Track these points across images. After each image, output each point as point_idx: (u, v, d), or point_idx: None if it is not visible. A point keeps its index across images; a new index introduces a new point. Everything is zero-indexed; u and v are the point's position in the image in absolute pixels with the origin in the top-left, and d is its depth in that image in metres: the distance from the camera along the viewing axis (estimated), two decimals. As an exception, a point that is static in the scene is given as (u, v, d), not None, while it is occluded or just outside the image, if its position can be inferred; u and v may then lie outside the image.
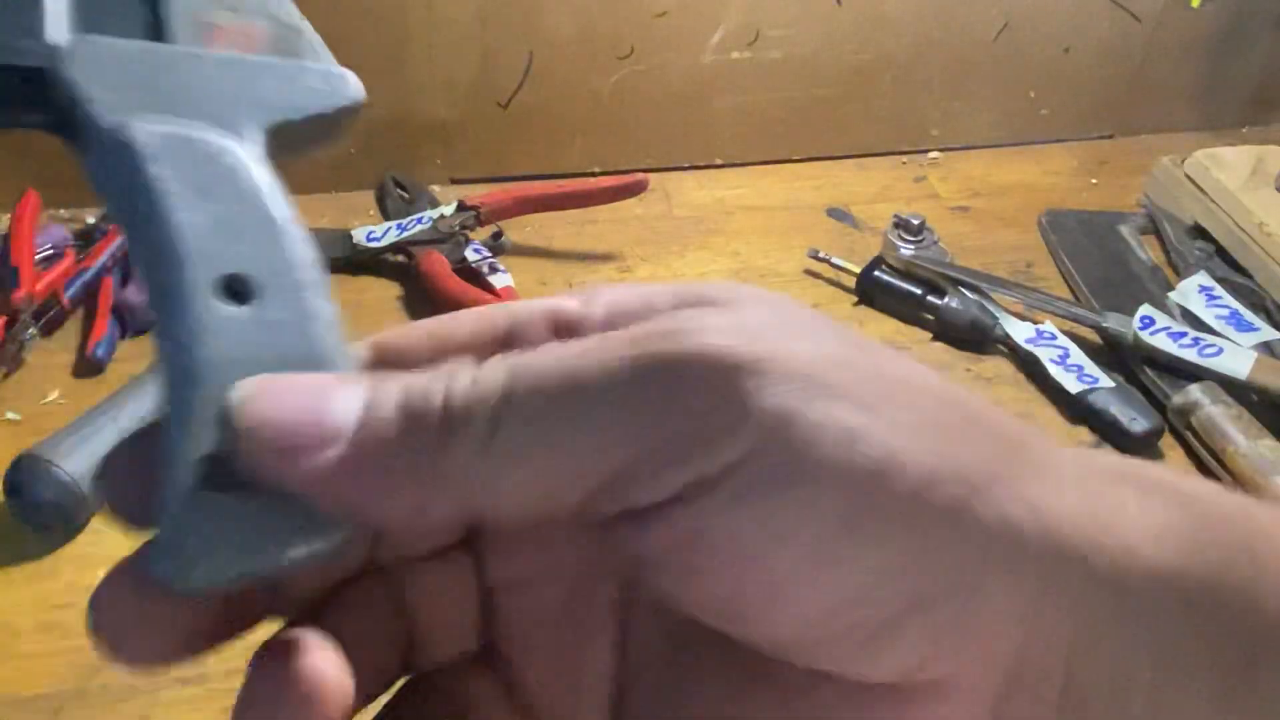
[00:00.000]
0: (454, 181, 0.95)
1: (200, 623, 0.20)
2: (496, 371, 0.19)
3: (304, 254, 0.21)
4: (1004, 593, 0.19)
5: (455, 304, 0.77)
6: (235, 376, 0.19)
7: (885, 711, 0.20)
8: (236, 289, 0.20)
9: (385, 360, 0.23)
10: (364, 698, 0.23)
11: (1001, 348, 0.78)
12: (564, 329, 0.23)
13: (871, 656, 0.19)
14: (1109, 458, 0.22)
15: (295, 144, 0.24)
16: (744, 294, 0.21)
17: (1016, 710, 0.19)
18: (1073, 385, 0.72)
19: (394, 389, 0.19)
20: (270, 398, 0.19)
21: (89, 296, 0.79)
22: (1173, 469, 0.22)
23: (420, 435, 0.19)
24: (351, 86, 0.24)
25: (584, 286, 0.21)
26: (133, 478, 0.20)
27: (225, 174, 0.21)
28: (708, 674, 0.22)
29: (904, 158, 1.02)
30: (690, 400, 0.18)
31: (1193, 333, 0.74)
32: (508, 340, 0.23)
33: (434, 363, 0.20)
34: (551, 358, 0.19)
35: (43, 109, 0.21)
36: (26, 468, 0.61)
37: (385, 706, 0.25)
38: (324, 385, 0.19)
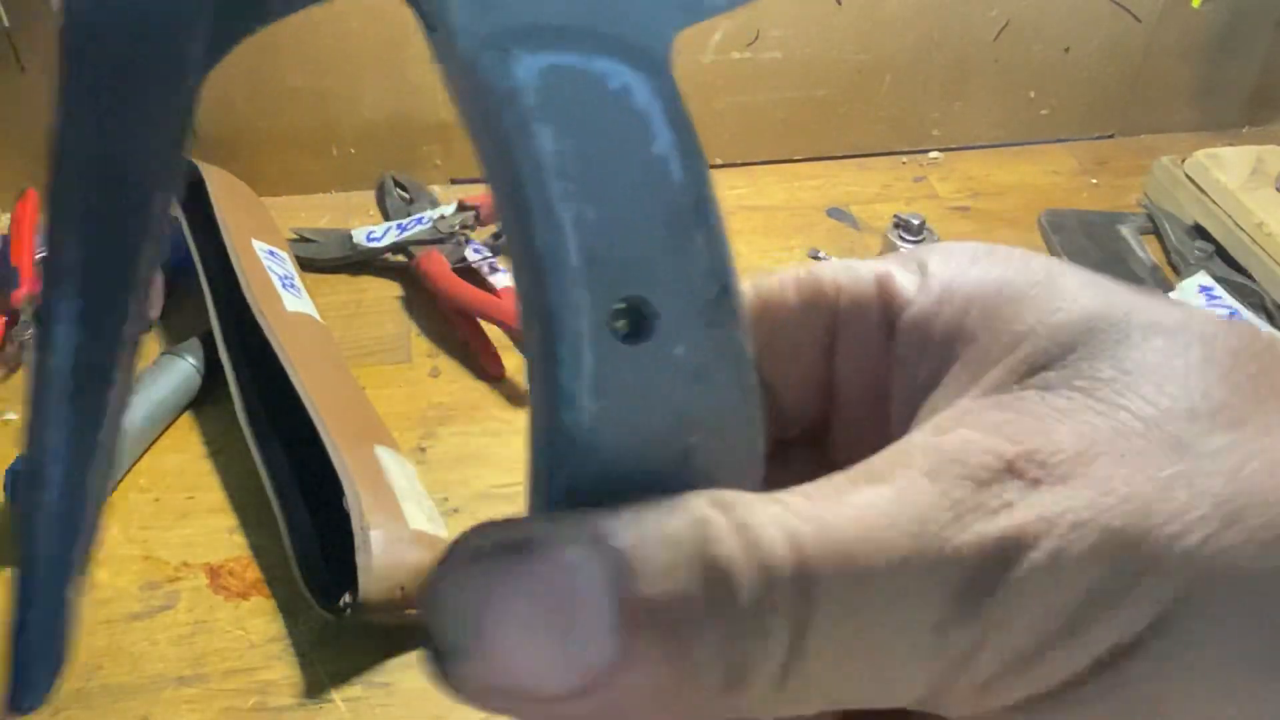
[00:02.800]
0: (454, 181, 0.95)
1: None
2: (780, 560, 0.14)
3: (715, 262, 0.16)
4: None
5: (455, 304, 0.77)
6: (628, 439, 0.15)
7: None
8: (635, 319, 0.15)
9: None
10: None
11: (1001, 348, 0.78)
12: (899, 311, 0.19)
13: None
14: None
15: None
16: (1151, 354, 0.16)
17: None
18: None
19: (652, 611, 0.14)
20: (497, 639, 0.14)
21: (89, 296, 0.79)
22: None
23: (699, 680, 0.14)
24: None
25: (918, 249, 0.17)
26: None
27: (630, 136, 0.15)
28: None
29: (904, 158, 1.02)
30: (1030, 616, 0.15)
31: (1193, 333, 0.74)
32: (834, 321, 0.19)
33: (764, 337, 0.16)
34: (845, 543, 0.15)
35: None
36: (26, 468, 0.61)
37: None
38: (567, 617, 0.14)
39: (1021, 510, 0.15)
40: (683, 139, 0.15)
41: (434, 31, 0.15)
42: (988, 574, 0.15)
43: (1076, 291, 0.17)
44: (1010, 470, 0.15)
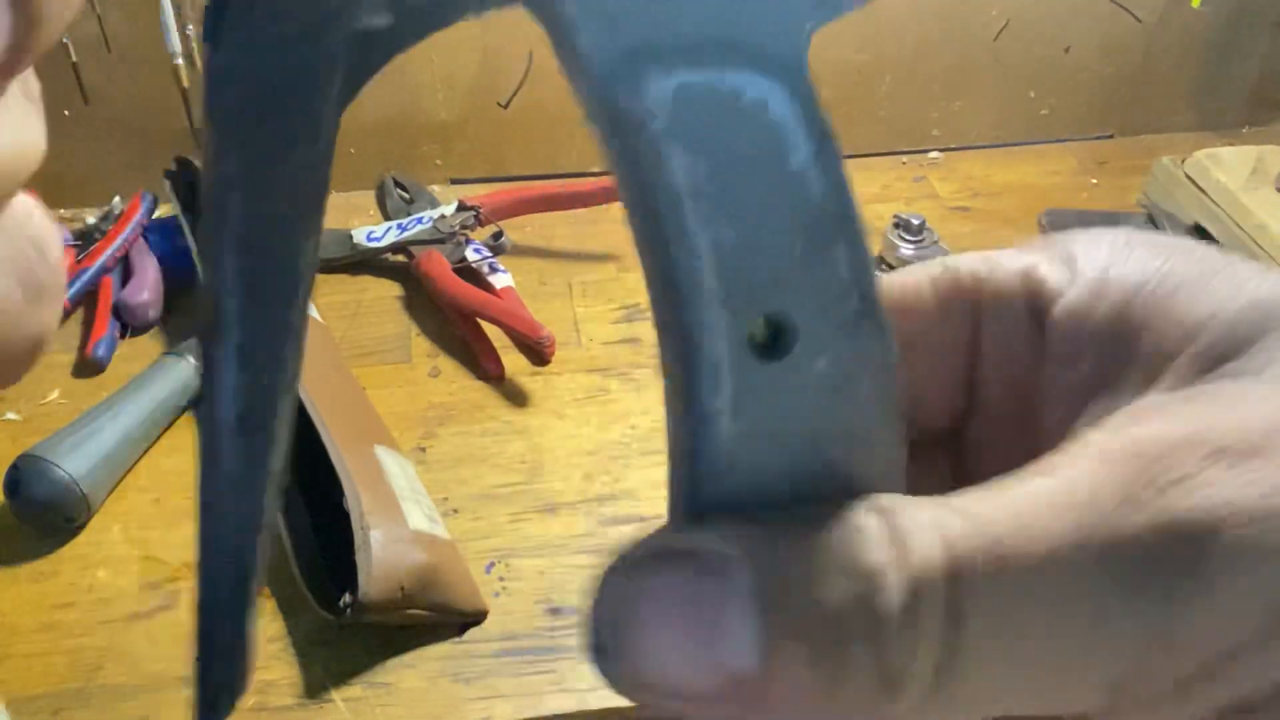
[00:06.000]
0: (454, 181, 0.95)
1: None
2: (932, 564, 0.14)
3: (858, 274, 0.15)
4: None
5: (455, 304, 0.77)
6: (769, 456, 0.15)
7: None
8: (773, 336, 0.15)
9: None
10: None
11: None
12: (1047, 305, 0.18)
13: None
14: None
15: None
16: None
17: None
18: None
19: (799, 610, 0.14)
20: (639, 620, 0.14)
21: (89, 296, 0.79)
22: None
23: (848, 688, 0.14)
24: None
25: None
26: None
27: (768, 151, 0.14)
28: None
29: (904, 158, 1.02)
30: (1220, 617, 0.14)
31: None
32: (977, 319, 0.19)
33: (900, 341, 0.16)
34: (1004, 539, 0.14)
35: None
36: (26, 468, 0.61)
37: None
38: (706, 602, 0.14)
39: (1208, 493, 0.14)
40: (823, 148, 0.15)
41: (561, 50, 0.15)
42: (1169, 562, 0.13)
43: (1246, 279, 0.16)
44: (1200, 456, 0.14)
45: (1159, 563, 0.13)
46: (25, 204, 0.18)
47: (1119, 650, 0.14)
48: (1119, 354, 0.17)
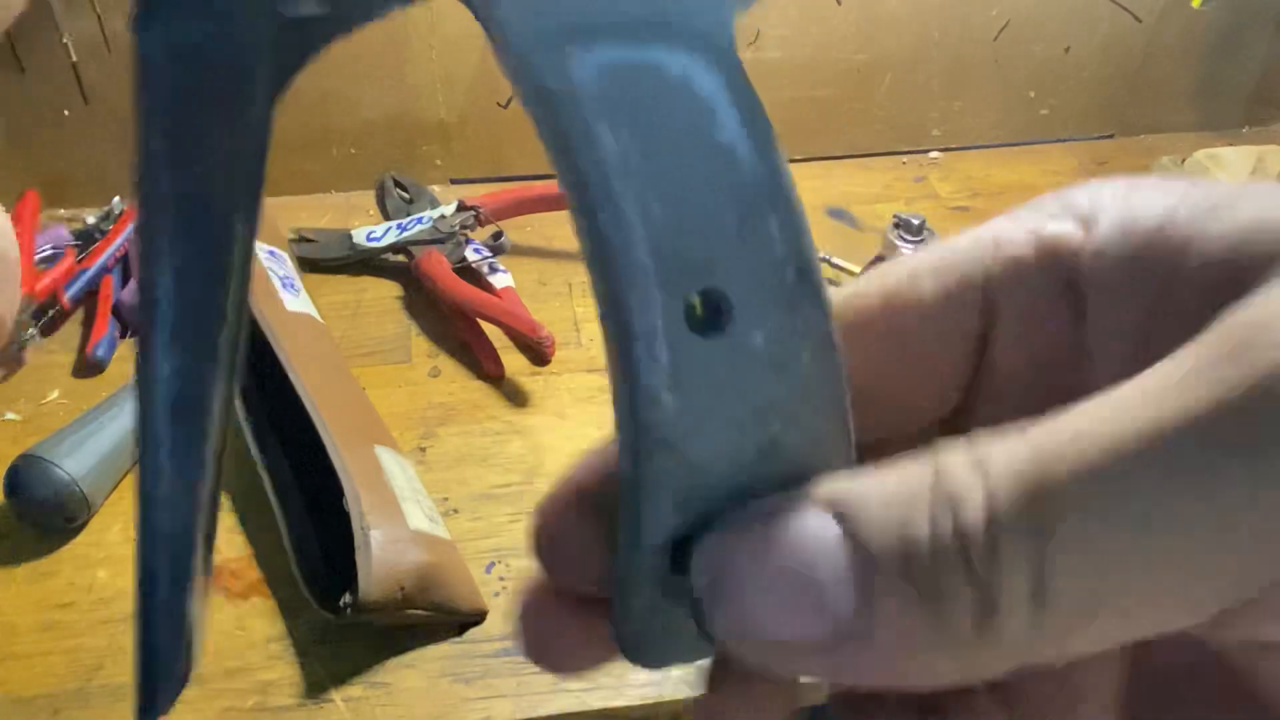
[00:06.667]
0: (454, 181, 0.95)
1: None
2: (1015, 477, 0.13)
3: (791, 246, 0.15)
4: None
5: (455, 304, 0.77)
6: (712, 433, 0.15)
7: None
8: (709, 311, 0.15)
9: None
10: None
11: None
12: (1067, 267, 0.17)
13: None
14: None
15: None
16: None
17: None
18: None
19: (890, 530, 0.14)
20: (748, 592, 0.14)
21: (89, 296, 0.79)
22: None
23: (948, 608, 0.13)
24: None
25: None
26: (571, 535, 0.17)
27: (694, 126, 0.14)
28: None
29: (904, 158, 1.02)
30: None
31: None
32: (989, 298, 0.18)
33: (898, 346, 0.16)
34: (1091, 432, 0.13)
35: None
36: (26, 468, 0.61)
37: None
38: (807, 547, 0.14)
39: (1260, 353, 0.12)
40: (751, 122, 0.15)
41: (487, 30, 0.15)
42: (1265, 422, 0.12)
43: (1269, 194, 0.15)
44: (1244, 238, 0.13)
45: (1267, 416, 0.12)
46: None
47: (1222, 543, 0.12)
48: (1168, 284, 0.16)
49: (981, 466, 0.13)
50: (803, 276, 0.15)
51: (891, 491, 0.14)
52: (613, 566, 0.16)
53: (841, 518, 0.14)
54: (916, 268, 0.18)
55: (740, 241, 0.15)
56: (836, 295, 0.16)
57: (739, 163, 0.15)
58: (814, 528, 0.14)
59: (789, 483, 0.15)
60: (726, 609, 0.15)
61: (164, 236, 0.14)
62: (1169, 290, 0.15)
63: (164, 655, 0.16)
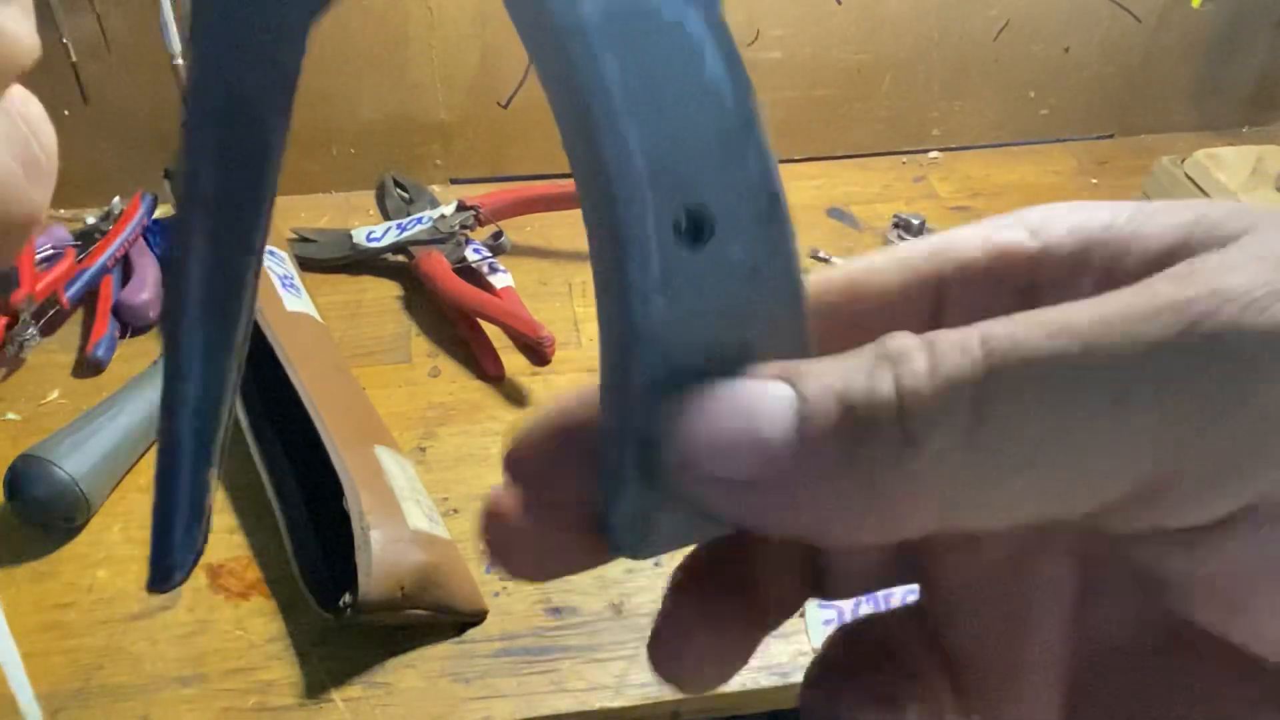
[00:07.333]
0: (454, 181, 0.95)
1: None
2: (965, 349, 0.15)
3: (764, 175, 0.17)
4: None
5: (455, 304, 0.77)
6: (694, 333, 0.17)
7: None
8: (694, 225, 0.17)
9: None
10: (770, 621, 0.21)
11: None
12: (1018, 274, 0.19)
13: None
14: None
15: None
16: (1263, 220, 0.16)
17: None
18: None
19: (830, 385, 0.15)
20: (698, 421, 0.16)
21: (89, 296, 0.79)
22: None
23: (876, 444, 0.15)
24: None
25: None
26: (548, 455, 0.19)
27: (685, 62, 0.17)
28: (1201, 677, 0.18)
29: (904, 158, 1.02)
30: (1260, 396, 0.14)
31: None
32: (941, 295, 0.19)
33: (858, 329, 0.17)
34: (1042, 328, 0.15)
35: None
36: (26, 468, 0.61)
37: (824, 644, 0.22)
38: (753, 398, 0.16)
39: (1249, 273, 0.14)
40: (731, 66, 0.17)
41: None
42: (1223, 323, 0.14)
43: (1208, 202, 0.17)
44: (1225, 265, 0.15)
45: (1205, 324, 0.14)
46: (21, 92, 0.20)
47: (1160, 420, 0.14)
48: (1110, 277, 0.17)
49: (928, 340, 0.15)
50: (773, 201, 0.17)
51: (840, 361, 0.16)
52: (600, 461, 0.18)
53: (790, 382, 0.16)
54: (877, 262, 0.20)
55: (722, 166, 0.17)
56: (807, 280, 0.18)
57: (722, 98, 0.17)
58: (763, 386, 0.16)
59: None
60: (676, 446, 0.16)
61: (210, 131, 0.16)
62: (1111, 283, 0.17)
63: (183, 526, 0.17)
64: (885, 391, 0.15)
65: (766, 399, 0.16)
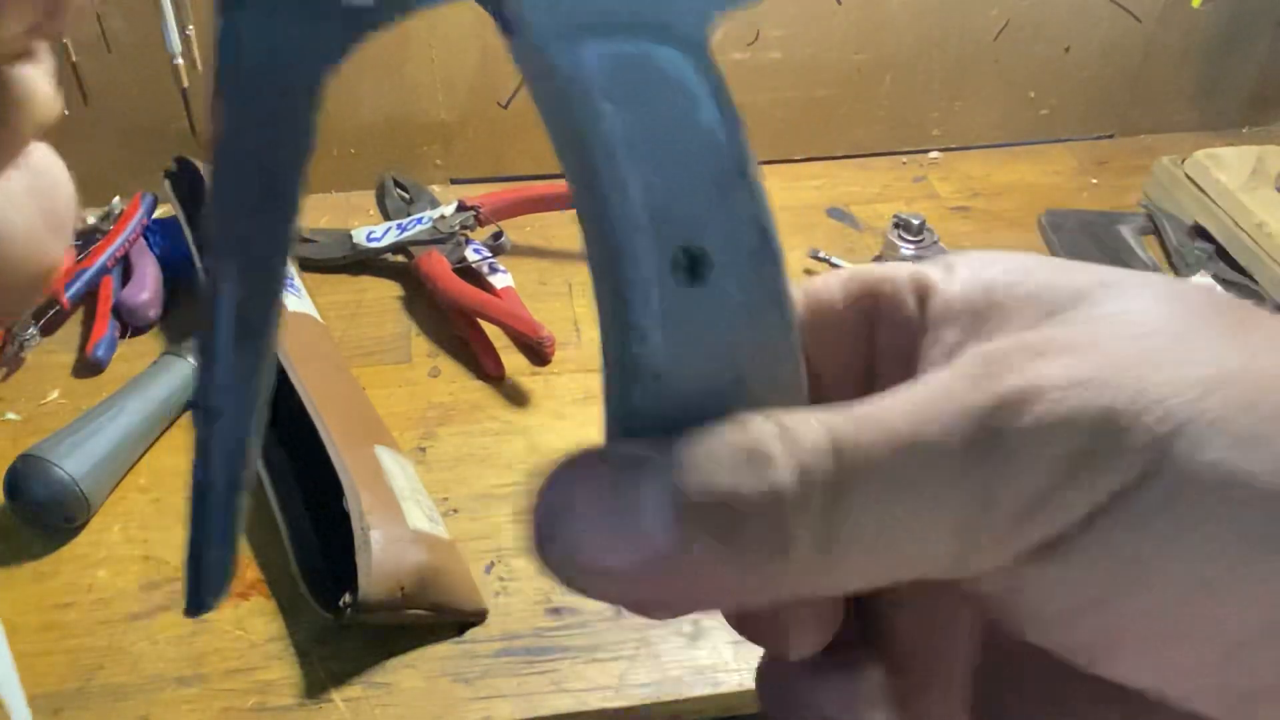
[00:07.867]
0: (454, 181, 0.95)
1: None
2: (817, 449, 0.17)
3: (757, 213, 0.18)
4: None
5: (455, 304, 0.77)
6: (693, 367, 0.18)
7: None
8: (692, 263, 0.18)
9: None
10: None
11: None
12: (926, 296, 0.22)
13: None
14: None
15: None
16: (1130, 293, 0.18)
17: None
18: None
19: (705, 482, 0.17)
20: (571, 511, 0.17)
21: (89, 296, 0.79)
22: None
23: (749, 538, 0.16)
24: None
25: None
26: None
27: (682, 111, 0.17)
28: (1038, 692, 0.21)
29: (904, 158, 1.02)
30: (1034, 465, 0.16)
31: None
32: (875, 307, 0.22)
33: (814, 334, 0.20)
34: (879, 424, 0.17)
35: None
36: (26, 468, 0.61)
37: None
38: (625, 492, 0.17)
39: (1027, 373, 0.17)
40: (725, 110, 0.18)
41: (511, 33, 0.17)
42: (995, 427, 0.17)
43: (1077, 268, 0.20)
44: (1025, 351, 0.18)
45: (984, 429, 0.17)
46: (43, 149, 0.22)
47: (957, 509, 0.17)
48: (979, 323, 0.20)
49: (786, 433, 0.17)
50: (767, 240, 0.18)
51: (714, 447, 0.17)
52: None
53: (665, 461, 0.17)
54: (833, 279, 0.23)
55: (717, 207, 0.18)
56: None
57: (716, 143, 0.18)
58: (640, 467, 0.17)
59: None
60: (559, 537, 0.17)
61: (235, 188, 0.17)
62: (977, 328, 0.20)
63: (217, 555, 0.18)
64: (759, 489, 0.16)
65: (647, 490, 0.17)
